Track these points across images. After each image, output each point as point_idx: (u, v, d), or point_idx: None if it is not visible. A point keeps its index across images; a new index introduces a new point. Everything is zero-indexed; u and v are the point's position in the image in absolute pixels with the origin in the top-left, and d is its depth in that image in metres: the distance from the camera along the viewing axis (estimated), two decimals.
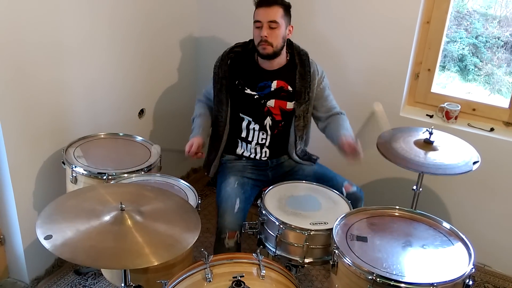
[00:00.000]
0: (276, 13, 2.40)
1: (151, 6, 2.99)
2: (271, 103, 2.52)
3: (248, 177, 2.58)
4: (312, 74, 2.51)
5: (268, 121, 2.55)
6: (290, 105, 2.53)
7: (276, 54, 2.46)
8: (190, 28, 3.38)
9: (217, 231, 2.39)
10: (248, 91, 2.53)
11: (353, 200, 2.35)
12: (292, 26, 2.49)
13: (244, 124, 2.58)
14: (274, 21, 2.39)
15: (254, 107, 2.55)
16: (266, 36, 2.40)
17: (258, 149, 2.59)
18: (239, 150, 2.62)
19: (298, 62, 2.51)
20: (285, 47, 2.50)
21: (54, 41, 2.45)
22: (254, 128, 2.57)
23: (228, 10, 3.25)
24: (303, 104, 2.51)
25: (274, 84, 2.51)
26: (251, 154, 2.60)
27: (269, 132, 2.56)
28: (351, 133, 2.45)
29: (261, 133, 2.57)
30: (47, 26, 2.39)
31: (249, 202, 2.51)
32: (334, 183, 2.46)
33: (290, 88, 2.51)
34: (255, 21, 2.43)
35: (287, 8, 2.45)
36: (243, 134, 2.59)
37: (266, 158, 2.60)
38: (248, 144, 2.60)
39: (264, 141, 2.58)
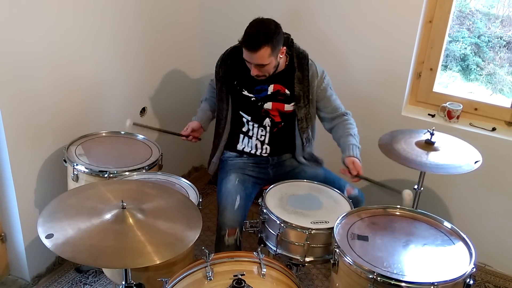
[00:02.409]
0: (263, 56, 2.31)
1: (154, 5, 2.98)
2: (268, 105, 2.52)
3: (249, 174, 2.58)
4: (311, 77, 2.49)
5: (267, 121, 2.55)
6: (288, 107, 2.52)
7: (276, 70, 2.46)
8: (192, 28, 3.38)
9: (217, 228, 2.39)
10: (245, 92, 2.53)
11: (354, 203, 2.34)
12: (284, 48, 2.41)
13: (245, 120, 2.59)
14: (262, 64, 2.35)
15: (252, 108, 2.55)
16: (256, 74, 2.40)
17: (259, 145, 2.59)
18: (239, 146, 2.62)
19: (297, 66, 2.49)
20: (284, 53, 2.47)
21: (56, 40, 2.45)
22: (253, 125, 2.57)
23: (230, 10, 3.25)
24: (303, 108, 2.50)
25: (270, 88, 2.51)
26: (251, 149, 2.60)
27: (268, 129, 2.57)
28: (357, 145, 2.44)
29: (260, 130, 2.57)
30: (50, 25, 2.40)
31: (249, 199, 2.51)
32: (335, 186, 2.46)
33: (287, 92, 2.51)
34: (244, 57, 2.40)
35: (273, 40, 2.31)
36: (244, 129, 2.60)
37: (266, 155, 2.60)
38: (249, 139, 2.60)
39: (263, 138, 2.58)
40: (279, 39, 2.36)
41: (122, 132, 2.74)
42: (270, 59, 2.35)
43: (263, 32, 2.30)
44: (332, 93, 2.58)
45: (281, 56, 2.42)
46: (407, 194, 2.17)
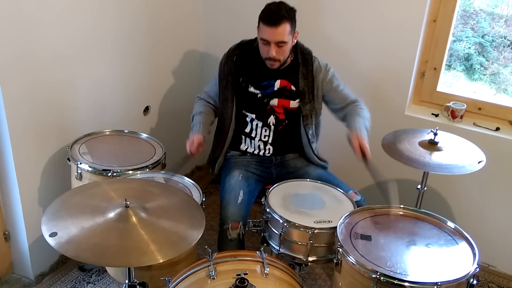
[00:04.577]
0: (284, 31, 2.34)
1: (157, 4, 2.99)
2: (274, 102, 2.52)
3: (252, 171, 2.58)
4: (315, 72, 2.50)
5: (271, 119, 2.55)
6: (293, 104, 2.52)
7: (282, 65, 2.47)
8: (195, 27, 3.38)
9: (220, 223, 2.39)
10: (251, 89, 2.53)
11: None
12: (297, 32, 2.45)
13: (248, 119, 2.59)
14: (282, 41, 2.36)
15: (257, 105, 2.55)
16: (274, 55, 2.39)
17: (262, 145, 2.59)
18: (243, 146, 2.63)
19: (301, 62, 2.50)
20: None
21: (60, 39, 2.45)
22: (257, 124, 2.58)
23: (233, 9, 3.25)
24: (308, 104, 2.51)
25: (277, 84, 2.51)
26: (255, 150, 2.61)
27: (272, 128, 2.57)
28: (365, 123, 2.41)
29: (264, 130, 2.57)
30: (53, 24, 2.40)
31: (252, 195, 2.51)
32: None
33: (293, 88, 2.51)
34: (262, 38, 2.39)
35: (293, 18, 2.38)
36: (247, 129, 2.60)
37: (270, 155, 2.60)
38: (252, 140, 2.60)
39: (267, 138, 2.58)
40: (296, 19, 2.41)
41: (126, 131, 2.74)
42: (289, 37, 2.37)
43: (284, 8, 2.35)
44: (339, 84, 2.56)
45: (295, 40, 2.45)
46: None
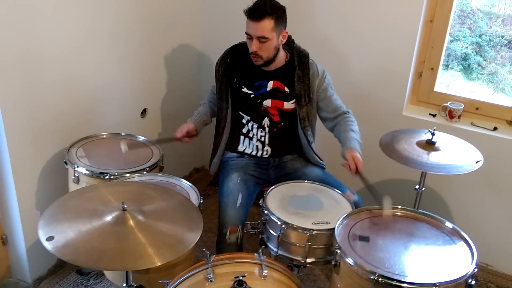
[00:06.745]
0: (266, 27, 2.33)
1: (154, 6, 2.98)
2: (267, 103, 2.52)
3: (250, 174, 2.58)
4: (311, 76, 2.49)
5: (266, 121, 2.55)
6: (287, 105, 2.52)
7: (268, 63, 2.45)
8: (193, 29, 3.38)
9: (219, 227, 2.39)
10: (244, 89, 2.53)
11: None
12: (286, 31, 2.43)
13: (244, 121, 2.59)
14: (263, 37, 2.35)
15: (251, 106, 2.55)
16: (256, 51, 2.39)
17: (260, 146, 2.59)
18: (240, 148, 2.62)
19: (297, 64, 2.49)
20: (281, 50, 2.47)
21: (57, 41, 2.45)
22: (253, 125, 2.58)
23: (231, 10, 3.25)
24: (305, 106, 2.50)
25: (270, 84, 2.51)
26: (252, 151, 2.60)
27: (267, 130, 2.56)
28: (358, 139, 2.43)
29: (259, 131, 2.57)
30: (49, 27, 2.39)
31: (251, 198, 2.50)
32: None
33: (286, 89, 2.50)
34: (246, 32, 2.39)
35: (279, 16, 2.36)
36: (244, 130, 2.60)
37: (267, 156, 2.60)
38: (250, 141, 2.60)
39: (263, 138, 2.58)
40: (283, 17, 2.39)
41: (123, 134, 2.74)
42: (272, 34, 2.35)
43: (269, 4, 2.34)
44: (333, 93, 2.57)
45: (282, 39, 2.43)
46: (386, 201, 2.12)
